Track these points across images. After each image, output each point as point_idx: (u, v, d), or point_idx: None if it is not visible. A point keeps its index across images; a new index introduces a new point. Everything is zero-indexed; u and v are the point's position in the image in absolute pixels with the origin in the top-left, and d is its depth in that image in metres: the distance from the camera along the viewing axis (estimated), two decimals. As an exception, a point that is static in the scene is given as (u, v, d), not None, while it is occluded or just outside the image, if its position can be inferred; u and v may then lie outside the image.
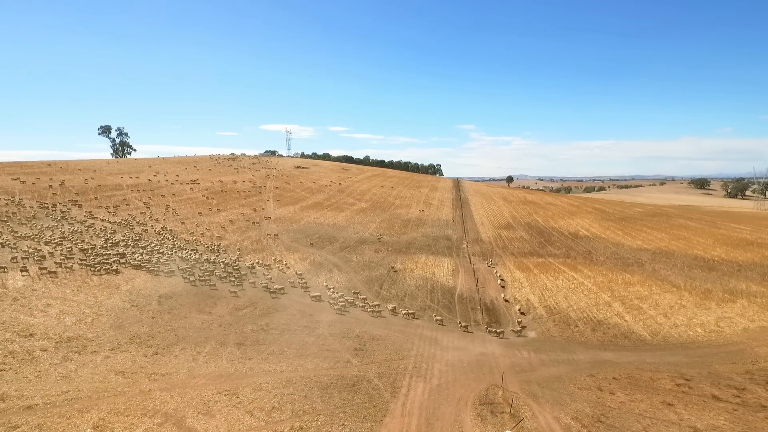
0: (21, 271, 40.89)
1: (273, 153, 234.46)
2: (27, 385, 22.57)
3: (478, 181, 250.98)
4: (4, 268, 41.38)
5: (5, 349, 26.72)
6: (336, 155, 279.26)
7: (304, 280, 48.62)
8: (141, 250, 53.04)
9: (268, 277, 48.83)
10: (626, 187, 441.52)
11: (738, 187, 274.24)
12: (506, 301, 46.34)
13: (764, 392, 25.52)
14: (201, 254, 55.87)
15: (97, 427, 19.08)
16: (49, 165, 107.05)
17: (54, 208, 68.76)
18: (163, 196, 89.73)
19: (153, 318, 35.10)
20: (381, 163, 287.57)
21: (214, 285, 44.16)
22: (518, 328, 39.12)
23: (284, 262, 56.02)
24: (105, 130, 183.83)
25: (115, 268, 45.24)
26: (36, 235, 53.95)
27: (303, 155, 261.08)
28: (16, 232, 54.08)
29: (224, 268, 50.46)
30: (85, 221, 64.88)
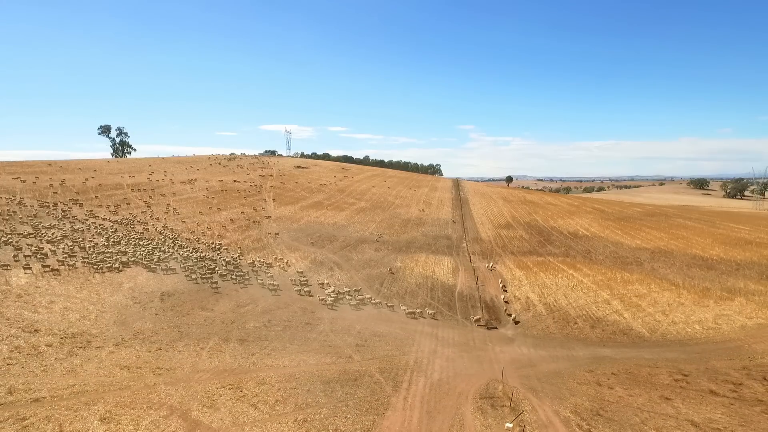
0: (24, 268, 41.17)
1: (272, 153, 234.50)
2: (34, 379, 22.85)
3: (477, 182, 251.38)
4: (7, 266, 41.64)
5: (11, 344, 26.99)
6: (336, 155, 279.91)
7: (305, 278, 48.93)
8: (142, 249, 53.30)
9: (269, 275, 49.13)
10: (625, 187, 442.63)
11: (737, 188, 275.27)
12: (506, 299, 46.64)
13: (761, 387, 25.87)
14: (202, 252, 56.16)
15: (104, 419, 19.38)
16: (50, 164, 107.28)
17: (55, 207, 68.97)
18: (164, 195, 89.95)
19: (156, 315, 35.41)
20: (381, 163, 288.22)
21: (216, 283, 44.47)
22: (518, 325, 39.45)
23: (285, 261, 56.32)
24: (105, 130, 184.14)
25: (117, 266, 45.53)
26: (38, 233, 54.20)
27: (303, 155, 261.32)
28: (18, 230, 54.32)
29: (225, 266, 50.75)
30: (86, 220, 65.10)
